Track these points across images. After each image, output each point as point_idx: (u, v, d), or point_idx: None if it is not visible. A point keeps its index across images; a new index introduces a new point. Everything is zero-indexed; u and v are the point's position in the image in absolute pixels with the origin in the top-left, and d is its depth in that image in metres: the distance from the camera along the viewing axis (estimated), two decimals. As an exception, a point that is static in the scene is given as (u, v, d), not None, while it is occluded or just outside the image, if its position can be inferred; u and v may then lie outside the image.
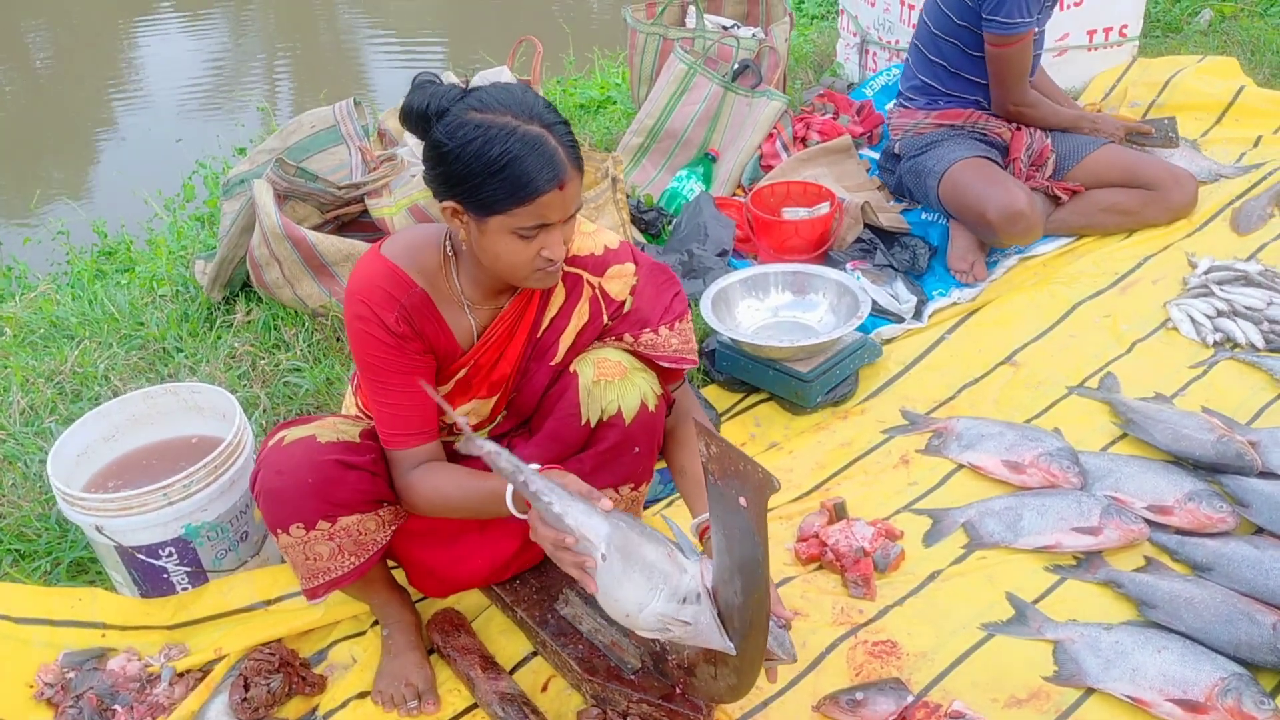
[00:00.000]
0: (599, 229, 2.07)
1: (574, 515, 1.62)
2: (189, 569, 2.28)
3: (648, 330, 2.03)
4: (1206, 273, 3.13)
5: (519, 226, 1.72)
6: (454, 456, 2.14)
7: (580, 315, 2.02)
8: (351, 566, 2.01)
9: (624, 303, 2.04)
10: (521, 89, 1.75)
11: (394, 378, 1.88)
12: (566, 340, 2.03)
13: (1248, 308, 2.96)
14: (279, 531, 1.96)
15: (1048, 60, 4.04)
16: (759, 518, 1.51)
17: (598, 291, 2.03)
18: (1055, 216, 3.47)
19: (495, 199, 1.69)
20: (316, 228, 3.29)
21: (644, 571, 1.62)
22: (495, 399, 2.06)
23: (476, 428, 2.11)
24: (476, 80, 3.55)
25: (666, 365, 2.04)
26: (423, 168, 3.25)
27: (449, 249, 1.91)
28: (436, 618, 2.24)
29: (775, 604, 1.77)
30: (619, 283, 2.04)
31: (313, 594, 2.04)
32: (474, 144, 1.67)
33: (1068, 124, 3.54)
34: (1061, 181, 3.46)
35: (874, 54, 4.62)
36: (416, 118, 1.76)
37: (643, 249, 3.38)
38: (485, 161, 1.67)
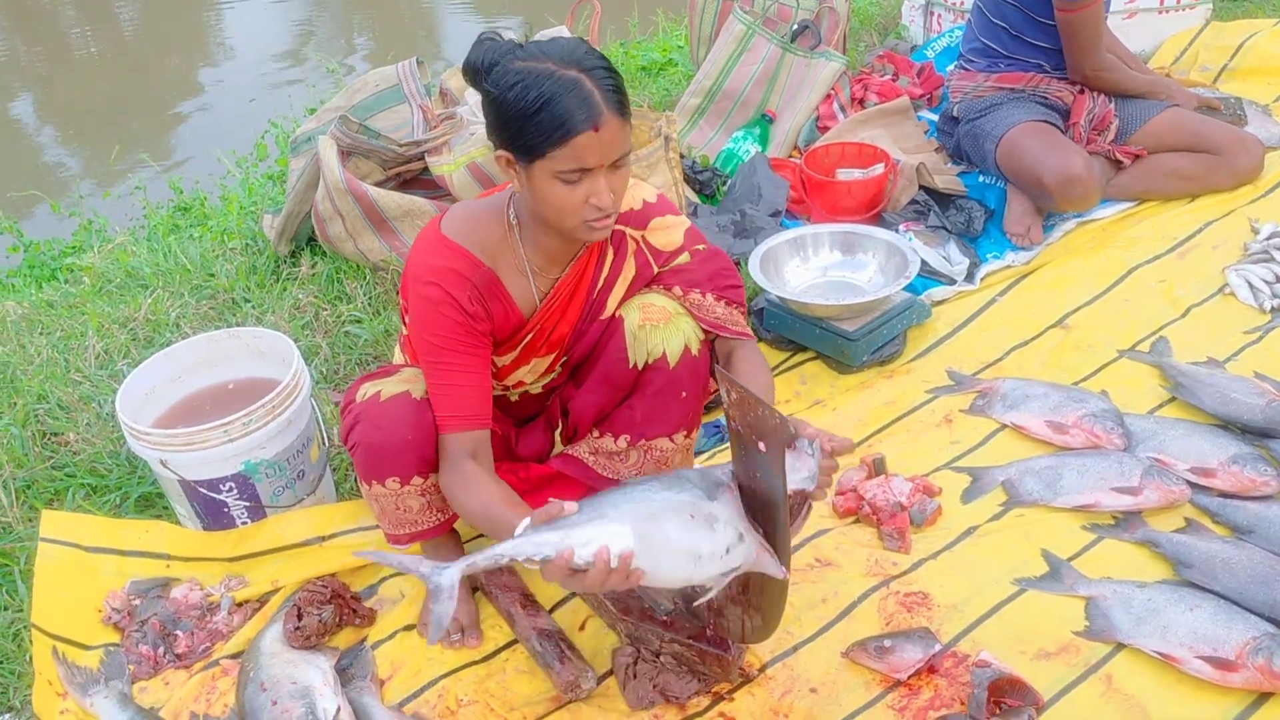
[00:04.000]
0: (635, 183, 2.09)
1: (585, 534, 1.56)
2: (248, 504, 2.39)
3: (695, 290, 2.06)
4: (1268, 238, 3.08)
5: (559, 170, 1.74)
6: (502, 409, 2.21)
7: (628, 270, 2.07)
8: (438, 522, 2.12)
9: (675, 254, 2.07)
10: (572, 41, 1.78)
11: (456, 358, 1.91)
12: (617, 296, 2.07)
13: (1309, 273, 2.91)
14: (372, 482, 2.05)
15: (1117, 23, 3.98)
16: (777, 462, 1.55)
17: (642, 244, 2.06)
18: (1116, 181, 3.43)
19: (534, 142, 1.72)
20: (379, 184, 3.38)
21: (679, 555, 1.61)
22: (553, 355, 2.12)
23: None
24: (536, 39, 3.60)
25: (706, 327, 2.08)
26: (482, 126, 3.32)
27: (512, 217, 1.95)
28: (481, 557, 2.32)
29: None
30: (663, 234, 2.07)
31: (396, 540, 2.15)
32: (514, 89, 1.72)
33: (1143, 89, 3.47)
34: (1124, 146, 3.41)
35: (939, 15, 4.57)
36: (473, 72, 1.80)
37: (695, 210, 3.42)
38: (523, 105, 1.70)
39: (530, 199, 1.84)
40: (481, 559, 1.58)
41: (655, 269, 2.08)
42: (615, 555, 1.55)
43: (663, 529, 1.60)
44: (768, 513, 1.65)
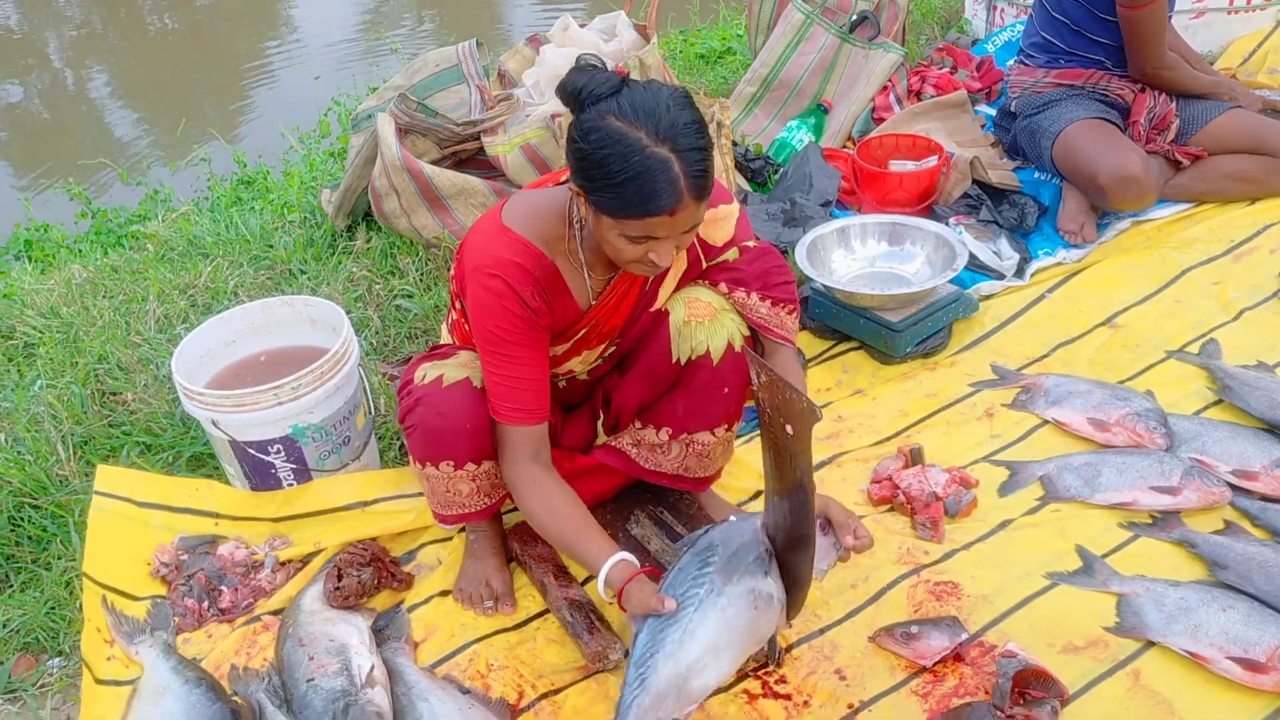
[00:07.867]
0: None
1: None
2: (295, 466, 2.45)
3: (741, 289, 2.08)
4: (1328, 244, 3.03)
5: (626, 233, 1.75)
6: (560, 402, 2.24)
7: (680, 262, 2.09)
8: (485, 505, 2.16)
9: (724, 248, 2.09)
10: (675, 100, 1.73)
11: (518, 350, 1.92)
12: (668, 288, 2.10)
13: (1368, 281, 2.86)
14: (426, 464, 2.09)
15: (1184, 24, 3.92)
16: (804, 444, 1.58)
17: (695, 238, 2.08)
18: (1174, 182, 3.38)
19: (608, 206, 1.73)
20: (435, 162, 3.43)
21: (750, 646, 1.84)
22: (602, 347, 2.15)
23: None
24: (594, 25, 3.63)
25: (751, 325, 2.10)
26: (538, 107, 3.36)
27: (573, 218, 1.95)
28: (518, 528, 2.36)
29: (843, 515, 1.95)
30: (715, 228, 2.07)
31: (443, 520, 2.20)
32: (601, 151, 1.70)
33: (1206, 90, 3.41)
34: (1183, 146, 3.36)
35: (1001, 10, 4.53)
36: (569, 98, 1.78)
37: (745, 197, 3.43)
38: (607, 172, 1.70)
39: (592, 228, 1.85)
40: None
41: (704, 264, 2.10)
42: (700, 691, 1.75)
43: (733, 645, 1.78)
44: (794, 553, 1.78)
